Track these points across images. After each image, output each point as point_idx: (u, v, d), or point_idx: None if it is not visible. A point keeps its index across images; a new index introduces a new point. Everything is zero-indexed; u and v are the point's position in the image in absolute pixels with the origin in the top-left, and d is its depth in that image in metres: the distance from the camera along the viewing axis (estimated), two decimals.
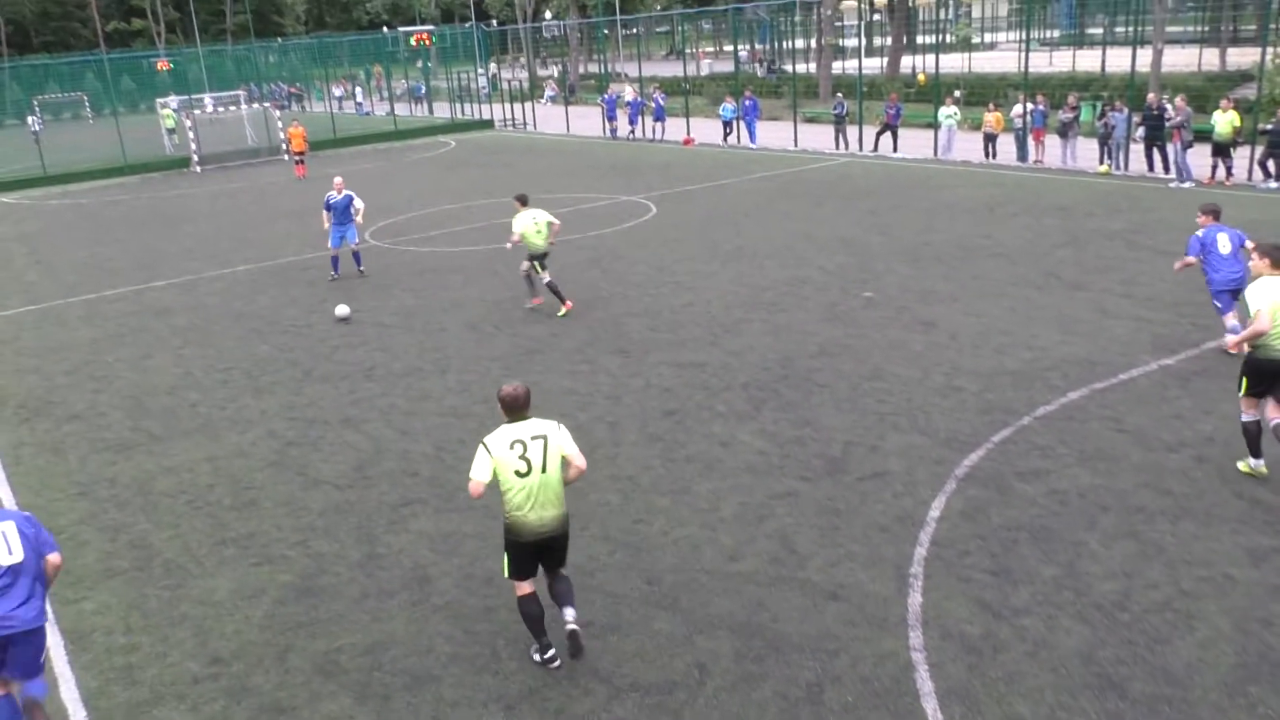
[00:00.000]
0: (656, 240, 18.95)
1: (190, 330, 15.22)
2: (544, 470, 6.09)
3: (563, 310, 14.33)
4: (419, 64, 58.79)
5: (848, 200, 21.79)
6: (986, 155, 26.04)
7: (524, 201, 14.52)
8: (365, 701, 6.25)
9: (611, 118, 37.76)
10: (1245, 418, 8.31)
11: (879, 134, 28.84)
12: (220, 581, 7.80)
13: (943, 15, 51.89)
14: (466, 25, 75.67)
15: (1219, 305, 11.00)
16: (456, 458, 9.69)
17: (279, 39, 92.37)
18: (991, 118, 26.11)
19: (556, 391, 11.25)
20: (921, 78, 41.75)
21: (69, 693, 6.60)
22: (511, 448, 6.07)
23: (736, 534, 7.90)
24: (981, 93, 35.56)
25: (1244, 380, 8.25)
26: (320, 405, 11.52)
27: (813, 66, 48.99)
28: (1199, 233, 10.92)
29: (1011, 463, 8.79)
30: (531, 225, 14.11)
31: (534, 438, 6.11)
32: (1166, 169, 22.37)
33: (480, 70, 56.59)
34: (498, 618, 6.99)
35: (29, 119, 49.78)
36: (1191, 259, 10.96)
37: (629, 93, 38.59)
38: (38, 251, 22.95)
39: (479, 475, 6.06)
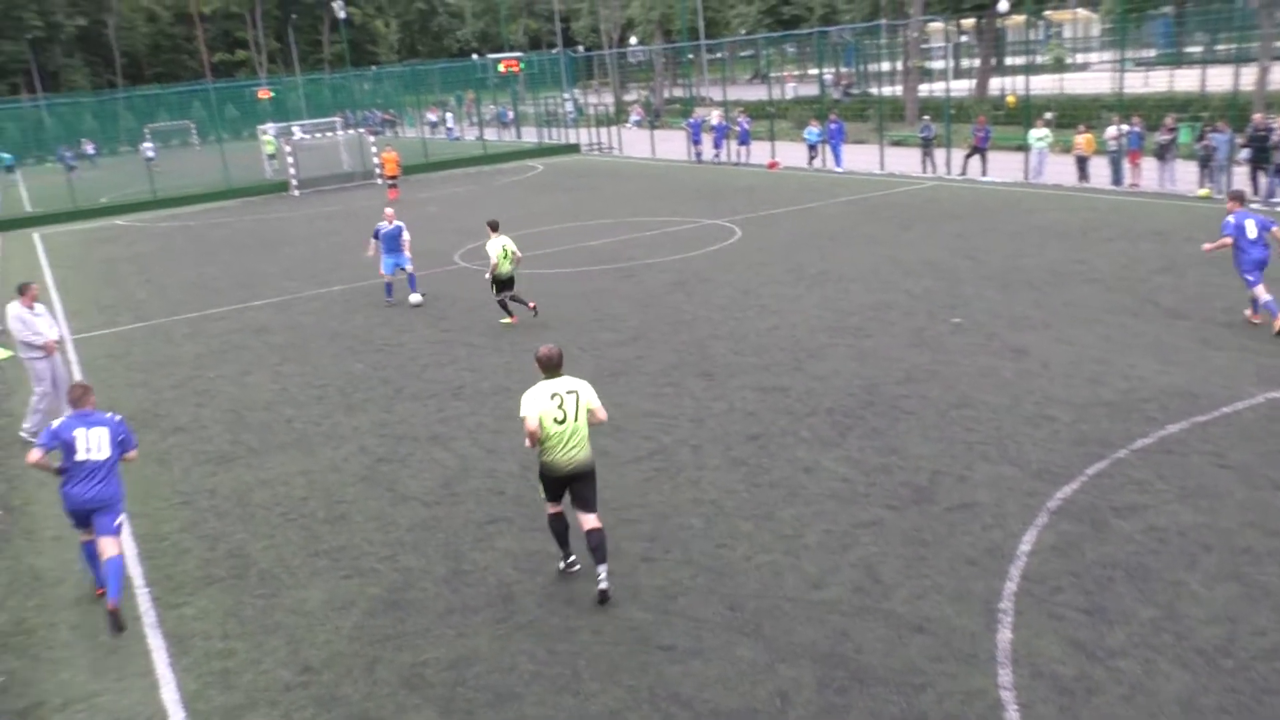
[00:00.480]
0: (741, 264, 18.92)
1: (287, 348, 15.71)
2: (575, 419, 7.32)
3: (507, 320, 15.81)
4: (517, 90, 60.04)
5: (935, 224, 21.46)
6: (1079, 178, 25.40)
7: (495, 228, 15.75)
8: (449, 716, 6.33)
9: (696, 141, 37.92)
10: None
11: (967, 157, 28.38)
12: (312, 592, 8.01)
13: (1032, 36, 50.91)
14: (554, 52, 77.03)
15: (1249, 279, 12.75)
16: None
17: (373, 67, 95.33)
18: (1083, 140, 25.47)
19: (640, 414, 11.29)
20: (1011, 100, 40.97)
21: (169, 694, 6.84)
22: (551, 399, 7.28)
23: (820, 562, 7.81)
24: (1073, 114, 34.72)
25: None
26: (410, 422, 11.76)
27: (899, 89, 48.50)
28: (1230, 218, 12.81)
29: (1107, 497, 8.51)
30: (500, 250, 15.41)
31: (568, 392, 7.35)
32: (1272, 193, 21.52)
33: (566, 95, 57.49)
34: (579, 638, 7.02)
35: (143, 146, 52.20)
36: (1227, 239, 12.72)
37: (714, 116, 38.72)
38: (148, 271, 23.98)
39: (531, 417, 7.24)
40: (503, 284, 15.70)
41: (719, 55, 76.36)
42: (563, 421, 7.31)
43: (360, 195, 36.06)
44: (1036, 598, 7.07)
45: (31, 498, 10.62)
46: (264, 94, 69.05)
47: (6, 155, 57.36)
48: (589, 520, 7.50)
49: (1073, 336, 12.95)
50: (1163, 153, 23.48)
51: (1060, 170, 26.58)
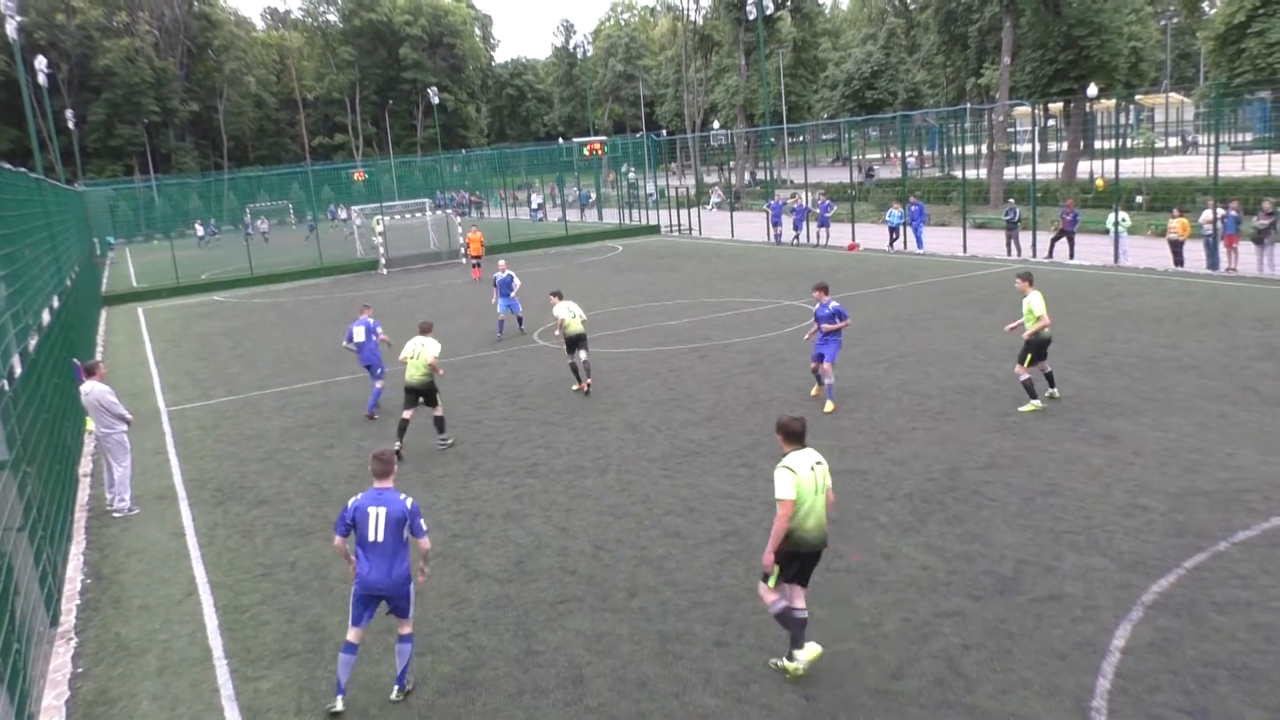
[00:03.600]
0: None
1: (370, 423, 16.05)
2: (816, 492, 7.34)
3: (576, 387, 16.68)
4: (626, 170, 61.43)
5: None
6: (1174, 262, 24.77)
7: (559, 295, 16.96)
8: None
9: (776, 223, 38.16)
10: None
11: (1054, 240, 27.95)
12: (384, 669, 8.04)
13: (1123, 120, 50.35)
14: (638, 135, 78.83)
15: None
16: (614, 556, 9.75)
17: (463, 150, 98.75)
18: (1178, 224, 24.90)
19: (715, 495, 11.21)
20: (1100, 183, 40.40)
21: None
22: (812, 470, 7.34)
23: (899, 652, 7.57)
24: (1166, 198, 34.02)
25: None
26: (485, 499, 11.87)
27: (983, 172, 48.27)
28: None
29: (1207, 591, 8.11)
30: (569, 312, 16.38)
31: (817, 463, 7.41)
32: None
33: (642, 175, 58.56)
34: None
35: (258, 221, 54.54)
36: None
37: (794, 199, 39.00)
38: (240, 346, 24.90)
39: (788, 493, 7.17)
40: (574, 342, 16.40)
41: (801, 139, 77.25)
42: (816, 493, 7.36)
43: (446, 273, 37.06)
44: (1132, 696, 6.73)
45: (121, 567, 10.95)
46: (359, 176, 72.01)
47: (110, 238, 60.53)
48: (802, 596, 7.48)
49: (1167, 424, 12.50)
50: (1261, 237, 22.81)
51: (1152, 254, 25.97)
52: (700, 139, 70.63)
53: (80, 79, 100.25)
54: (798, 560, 7.34)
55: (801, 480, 7.21)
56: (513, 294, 22.17)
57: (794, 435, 7.36)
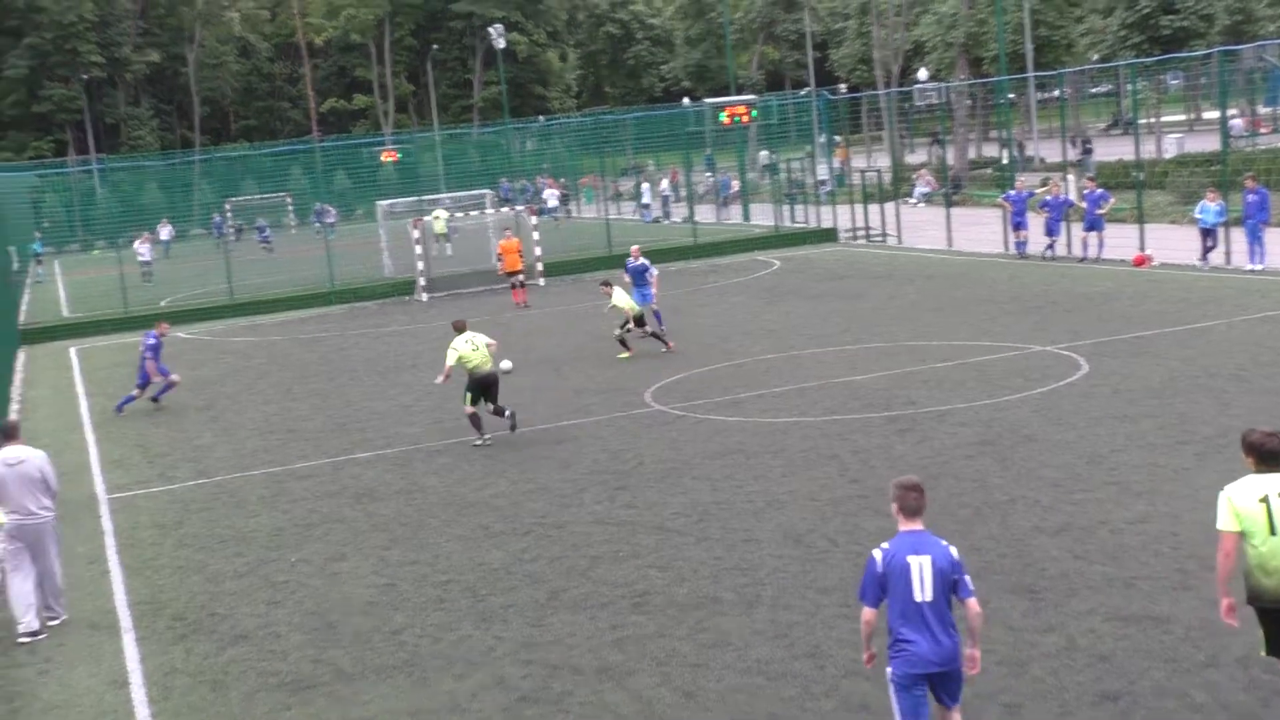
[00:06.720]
0: (1085, 415, 18.43)
1: (398, 523, 16.36)
2: (1274, 531, 8.37)
3: (625, 354, 25.41)
4: (766, 156, 61.88)
5: None
6: None
7: (608, 284, 24.41)
8: None
9: (1018, 225, 37.65)
10: None
11: None
12: None
13: None
14: (802, 92, 78.99)
15: None
16: None
17: (540, 118, 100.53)
18: None
19: None
20: None
21: None
22: (1261, 501, 8.36)
23: None
24: None
25: None
26: (569, 644, 11.91)
27: None
28: None
29: None
30: (629, 304, 23.97)
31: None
32: None
33: (816, 154, 58.57)
34: None
35: (256, 226, 56.40)
36: None
37: (1051, 187, 38.43)
38: (215, 405, 25.80)
39: (1229, 526, 8.48)
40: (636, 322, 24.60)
41: (1056, 94, 76.13)
42: (1274, 532, 8.42)
43: (510, 299, 37.39)
44: None
45: None
46: (389, 156, 74.03)
47: (36, 245, 63.61)
48: None
49: None
50: None
51: None
52: (898, 97, 70.41)
53: None
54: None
55: (1242, 510, 8.39)
56: (650, 285, 27.56)
57: (1264, 454, 8.55)
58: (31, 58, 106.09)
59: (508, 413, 19.78)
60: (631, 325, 25.80)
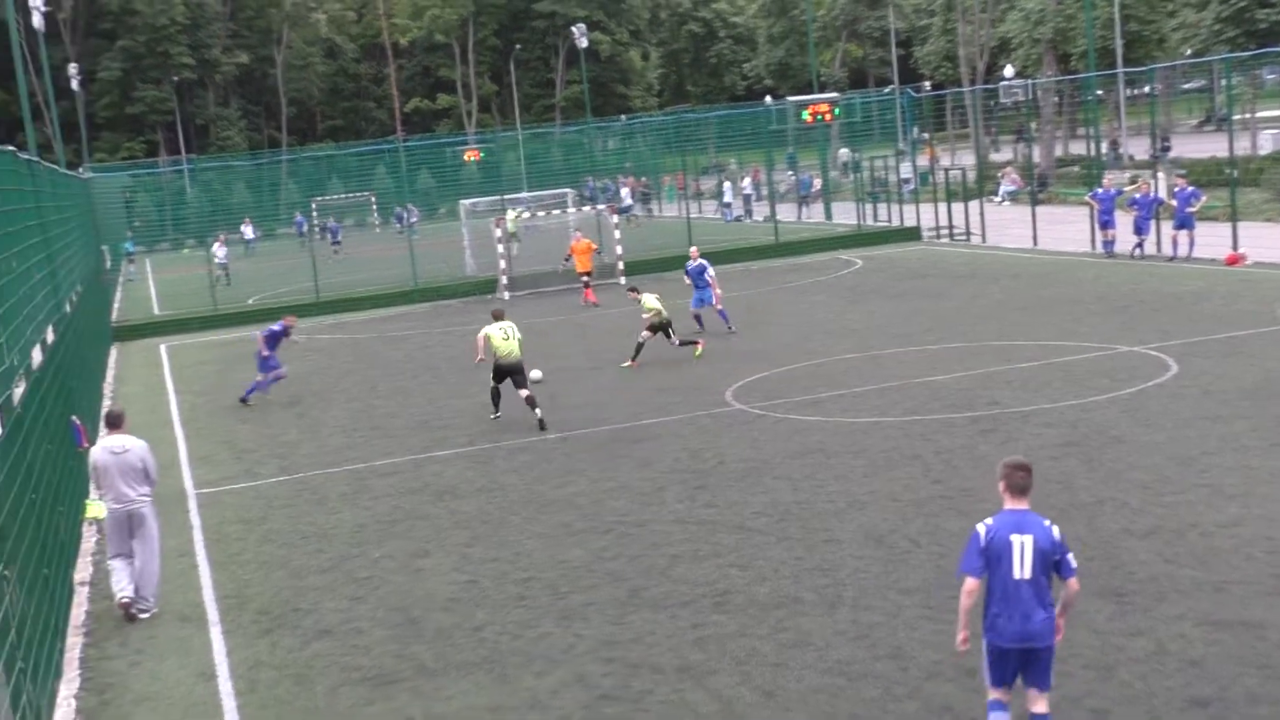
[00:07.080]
0: (1175, 416, 18.14)
1: (480, 521, 16.46)
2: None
3: (628, 364, 25.54)
4: (848, 154, 61.49)
5: None
6: None
7: (635, 290, 24.49)
8: None
9: (1106, 224, 37.19)
10: None
11: None
12: None
13: None
14: (886, 90, 78.63)
15: None
16: None
17: (623, 116, 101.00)
18: None
19: None
20: None
21: None
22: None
23: None
24: None
25: None
26: (649, 642, 11.92)
27: None
28: None
29: None
30: (658, 307, 23.24)
31: None
32: None
33: (906, 151, 58.23)
34: None
35: (329, 225, 57.32)
36: None
37: (1141, 185, 37.89)
38: (300, 402, 26.09)
39: None
40: (658, 329, 25.22)
41: (1148, 90, 74.94)
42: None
43: (583, 299, 37.56)
44: None
45: (126, 718, 11.49)
46: (472, 155, 74.71)
47: (128, 244, 64.91)
48: None
49: None
50: None
51: None
52: (984, 94, 69.78)
53: (88, 21, 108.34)
54: None
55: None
56: (710, 286, 28.26)
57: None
58: (125, 60, 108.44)
59: (537, 412, 20.96)
60: (648, 335, 25.50)
